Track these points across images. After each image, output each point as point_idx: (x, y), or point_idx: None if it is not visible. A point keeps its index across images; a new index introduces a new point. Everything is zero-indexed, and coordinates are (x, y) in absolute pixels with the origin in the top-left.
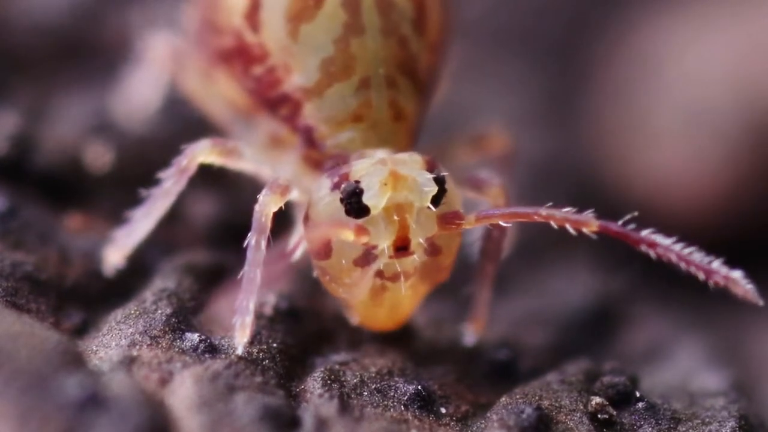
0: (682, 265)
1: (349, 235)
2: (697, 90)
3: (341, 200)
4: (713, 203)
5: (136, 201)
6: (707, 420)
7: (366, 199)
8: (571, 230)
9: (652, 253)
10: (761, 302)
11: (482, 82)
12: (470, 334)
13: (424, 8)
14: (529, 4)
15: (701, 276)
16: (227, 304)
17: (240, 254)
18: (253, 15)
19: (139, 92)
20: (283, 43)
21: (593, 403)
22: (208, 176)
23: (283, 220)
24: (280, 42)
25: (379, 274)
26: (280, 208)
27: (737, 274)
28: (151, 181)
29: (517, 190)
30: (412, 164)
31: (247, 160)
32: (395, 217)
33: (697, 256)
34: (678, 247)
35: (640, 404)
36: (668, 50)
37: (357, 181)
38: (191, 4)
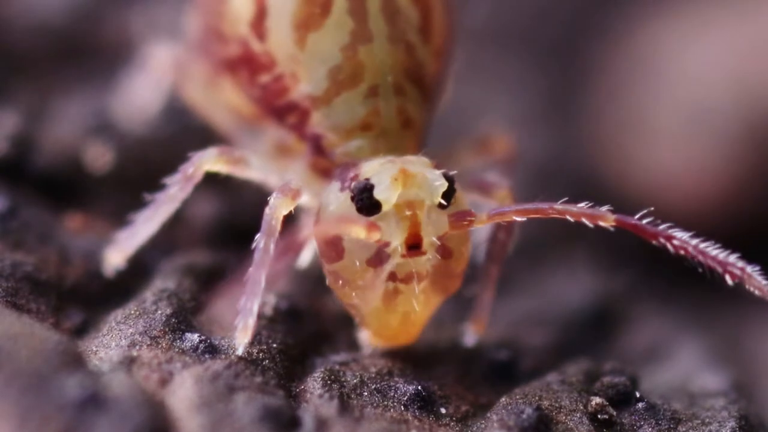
0: (699, 258)
1: (360, 232)
2: (697, 90)
3: (352, 198)
4: (713, 202)
5: (136, 201)
6: (707, 420)
7: (377, 194)
8: (589, 224)
9: (669, 247)
10: None
11: (483, 83)
12: (470, 335)
13: (430, 14)
14: (530, 5)
15: (718, 269)
16: (226, 306)
17: (240, 254)
18: (259, 23)
19: (140, 94)
20: (290, 51)
21: (593, 403)
22: (208, 177)
23: (290, 224)
24: (287, 50)
25: (392, 277)
26: (290, 211)
27: (754, 269)
28: (152, 182)
29: (518, 189)
30: (420, 163)
31: (254, 169)
32: (407, 213)
33: (714, 250)
34: (695, 241)
35: (640, 404)
36: (668, 50)
37: (367, 179)
38: (195, 12)
